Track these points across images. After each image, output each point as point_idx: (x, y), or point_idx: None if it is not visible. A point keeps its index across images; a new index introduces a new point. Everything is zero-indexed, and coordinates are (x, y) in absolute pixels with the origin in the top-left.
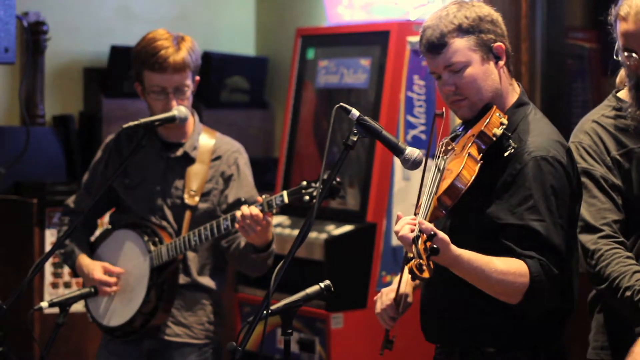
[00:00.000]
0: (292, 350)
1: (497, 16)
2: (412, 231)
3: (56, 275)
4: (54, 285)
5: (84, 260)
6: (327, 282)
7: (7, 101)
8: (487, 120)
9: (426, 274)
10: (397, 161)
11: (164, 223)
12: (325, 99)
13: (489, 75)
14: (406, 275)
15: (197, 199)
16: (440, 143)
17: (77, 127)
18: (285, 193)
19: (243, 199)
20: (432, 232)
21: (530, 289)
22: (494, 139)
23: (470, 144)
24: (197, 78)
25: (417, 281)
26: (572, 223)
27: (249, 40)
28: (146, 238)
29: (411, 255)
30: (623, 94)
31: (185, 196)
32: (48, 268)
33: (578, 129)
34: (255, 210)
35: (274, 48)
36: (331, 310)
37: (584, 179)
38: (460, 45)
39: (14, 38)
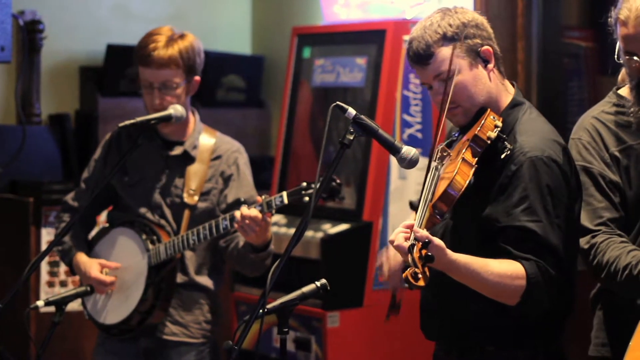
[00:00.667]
0: (288, 349)
1: (481, 20)
2: (407, 239)
3: (52, 274)
4: (50, 284)
5: (81, 258)
6: (324, 280)
7: (3, 100)
8: (481, 123)
9: (421, 282)
10: (393, 160)
11: (163, 222)
12: (322, 98)
13: (479, 80)
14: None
15: (196, 198)
16: (436, 149)
17: (74, 125)
18: (285, 194)
19: (242, 199)
20: (427, 240)
21: (527, 291)
22: (489, 142)
23: (464, 149)
24: (197, 78)
25: None
26: (570, 222)
27: (245, 39)
28: (144, 236)
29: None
30: (624, 91)
31: (185, 195)
32: (44, 267)
33: (578, 125)
34: (254, 211)
35: (270, 47)
36: (327, 309)
37: (581, 177)
38: (447, 54)
39: (10, 37)
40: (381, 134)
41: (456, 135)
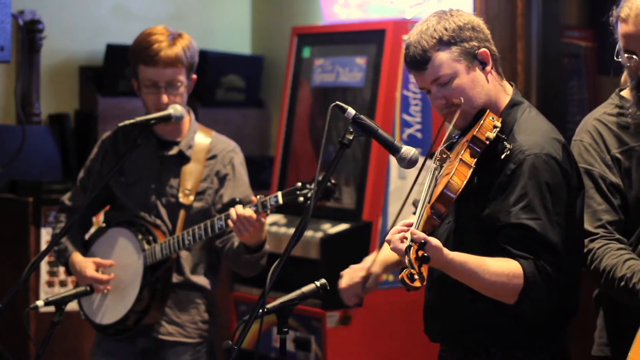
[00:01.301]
0: (288, 349)
1: (477, 22)
2: (404, 240)
3: (52, 274)
4: (50, 284)
5: (76, 257)
6: (323, 280)
7: (2, 100)
8: (480, 124)
9: (417, 283)
10: (393, 160)
11: (158, 222)
12: (321, 98)
13: (477, 82)
14: (381, 255)
15: (191, 197)
16: (437, 152)
17: (73, 125)
18: (279, 194)
19: (238, 199)
20: (423, 241)
21: (525, 290)
22: (487, 142)
23: (463, 150)
24: (194, 76)
25: (389, 262)
26: (571, 219)
27: (244, 39)
28: (140, 236)
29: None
30: (626, 93)
31: (180, 195)
32: (44, 267)
33: (581, 127)
34: (249, 211)
35: (270, 47)
36: (327, 309)
37: (583, 180)
38: (444, 58)
39: (10, 36)
40: (381, 133)
41: (456, 137)
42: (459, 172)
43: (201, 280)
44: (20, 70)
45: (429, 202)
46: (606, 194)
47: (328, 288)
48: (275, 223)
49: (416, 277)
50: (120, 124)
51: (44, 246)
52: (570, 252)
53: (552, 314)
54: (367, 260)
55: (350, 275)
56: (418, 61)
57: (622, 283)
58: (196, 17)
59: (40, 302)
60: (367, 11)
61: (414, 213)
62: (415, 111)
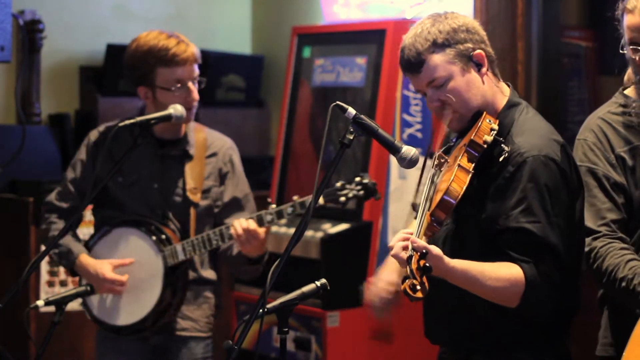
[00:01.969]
0: (288, 349)
1: (473, 24)
2: (406, 249)
3: (52, 273)
4: (50, 284)
5: (87, 260)
6: (323, 280)
7: (3, 99)
8: (477, 128)
9: (419, 294)
10: (393, 160)
11: (167, 221)
12: (321, 98)
13: (473, 84)
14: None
15: (199, 196)
16: (434, 156)
17: (73, 125)
18: (321, 197)
19: (254, 215)
20: (425, 250)
21: (527, 294)
22: (485, 146)
23: (461, 155)
24: None
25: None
26: (571, 220)
27: (245, 39)
28: (154, 237)
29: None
30: (630, 92)
31: (188, 194)
32: (44, 266)
33: (585, 126)
34: (252, 224)
35: (270, 46)
36: (327, 309)
37: (586, 178)
38: (438, 60)
39: (10, 36)
40: (381, 133)
41: (454, 140)
42: (457, 178)
43: (210, 274)
44: (21, 70)
45: (428, 210)
46: (610, 193)
47: (328, 288)
48: (276, 223)
49: (418, 287)
50: (121, 124)
51: (44, 246)
52: (570, 253)
53: (553, 315)
54: (387, 273)
55: (378, 288)
56: (413, 64)
57: (624, 284)
58: (196, 17)
59: (40, 302)
60: (368, 11)
61: (415, 218)
62: (415, 111)
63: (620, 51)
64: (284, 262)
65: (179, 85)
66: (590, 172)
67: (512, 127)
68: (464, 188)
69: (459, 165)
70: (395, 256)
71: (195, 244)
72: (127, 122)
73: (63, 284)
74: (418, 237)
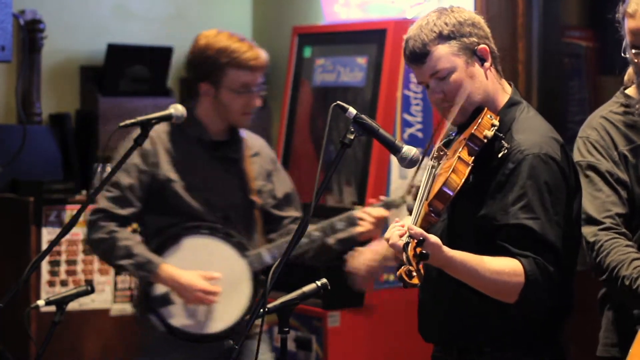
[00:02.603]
0: (289, 349)
1: (478, 19)
2: (402, 236)
3: (53, 273)
4: (51, 284)
5: (172, 269)
6: (324, 280)
7: (3, 99)
8: (478, 122)
9: (415, 280)
10: (393, 160)
11: (234, 224)
12: (322, 98)
13: (476, 78)
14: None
15: (257, 196)
16: (434, 149)
17: (74, 125)
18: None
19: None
20: (422, 237)
21: (526, 288)
22: (485, 140)
23: (461, 148)
24: None
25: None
26: (569, 219)
27: None
28: (233, 243)
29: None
30: (631, 91)
31: (250, 195)
32: (45, 266)
33: (586, 124)
34: (381, 211)
35: (271, 46)
36: (328, 309)
37: (589, 173)
38: (443, 52)
39: (11, 36)
40: (382, 133)
41: (453, 134)
42: (457, 169)
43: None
44: (21, 70)
45: (426, 199)
46: (614, 186)
47: (329, 288)
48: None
49: (414, 274)
50: (121, 124)
51: (44, 246)
52: (566, 252)
53: (549, 314)
54: (377, 244)
55: (365, 258)
56: (417, 54)
57: (627, 282)
58: (196, 17)
59: (41, 302)
60: (368, 11)
61: (409, 212)
62: (416, 111)
63: (622, 55)
64: (284, 262)
65: (244, 89)
66: (594, 168)
67: (513, 124)
68: (463, 180)
69: (459, 157)
70: (392, 244)
71: (285, 247)
72: (128, 121)
73: (64, 283)
74: (415, 225)
